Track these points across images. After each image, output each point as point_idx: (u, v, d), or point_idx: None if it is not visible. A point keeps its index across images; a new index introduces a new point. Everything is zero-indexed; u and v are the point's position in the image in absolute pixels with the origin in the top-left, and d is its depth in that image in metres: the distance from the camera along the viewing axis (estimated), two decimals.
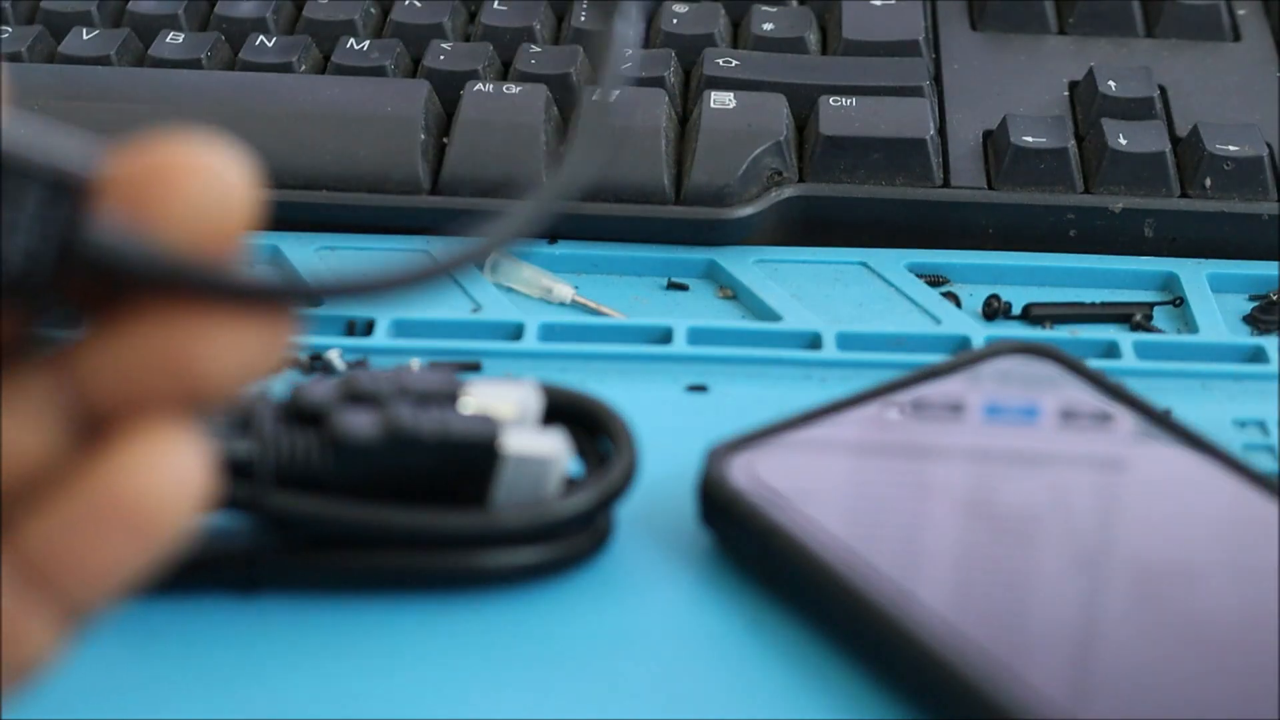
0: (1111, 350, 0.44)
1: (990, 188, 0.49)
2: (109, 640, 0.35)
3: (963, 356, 0.40)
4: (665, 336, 0.45)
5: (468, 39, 0.54)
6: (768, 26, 0.53)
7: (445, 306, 0.45)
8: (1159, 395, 0.42)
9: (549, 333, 0.45)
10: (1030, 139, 0.49)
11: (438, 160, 0.48)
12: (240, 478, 0.34)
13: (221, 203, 0.24)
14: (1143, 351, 0.44)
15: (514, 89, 0.50)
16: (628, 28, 0.28)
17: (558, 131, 0.49)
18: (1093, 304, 0.47)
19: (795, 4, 0.55)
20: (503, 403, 0.36)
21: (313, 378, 0.40)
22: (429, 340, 0.44)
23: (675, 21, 0.53)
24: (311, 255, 0.47)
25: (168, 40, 0.52)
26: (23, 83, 0.50)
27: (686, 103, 0.51)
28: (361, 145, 0.48)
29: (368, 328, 0.44)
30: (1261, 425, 0.42)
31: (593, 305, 0.46)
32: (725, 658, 0.35)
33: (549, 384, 0.37)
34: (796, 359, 0.44)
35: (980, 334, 0.44)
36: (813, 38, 0.53)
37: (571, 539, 0.36)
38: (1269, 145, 0.49)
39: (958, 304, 0.47)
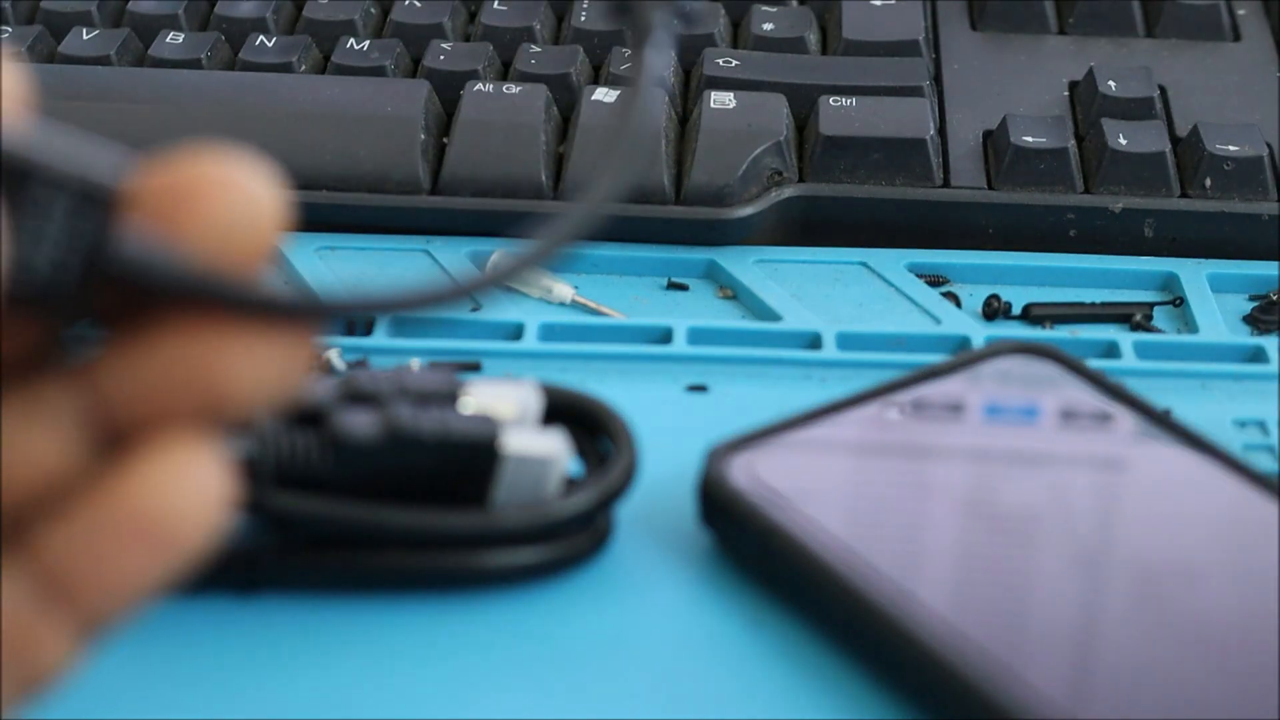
0: (1111, 350, 0.44)
1: (990, 188, 0.49)
2: (109, 640, 0.35)
3: (963, 356, 0.40)
4: (665, 336, 0.45)
5: (468, 39, 0.54)
6: (768, 26, 0.53)
7: (445, 306, 0.45)
8: (1159, 395, 0.42)
9: (549, 333, 0.45)
10: (1030, 139, 0.49)
11: (438, 160, 0.48)
12: (240, 477, 0.34)
13: (249, 219, 0.24)
14: (1143, 351, 0.44)
15: (514, 89, 0.50)
16: (661, 60, 0.28)
17: (558, 131, 0.49)
18: (1093, 304, 0.47)
19: (795, 4, 0.55)
20: (503, 403, 0.36)
21: (313, 377, 0.40)
22: (429, 340, 0.44)
23: (674, 21, 0.53)
24: (311, 255, 0.47)
25: (168, 40, 0.52)
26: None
27: (686, 103, 0.51)
28: (361, 145, 0.48)
29: (368, 327, 0.44)
30: (1261, 425, 0.42)
31: (593, 305, 0.46)
32: (725, 658, 0.35)
33: (549, 384, 0.37)
34: (796, 359, 0.44)
35: (980, 334, 0.44)
36: (813, 38, 0.53)
37: (571, 539, 0.36)
38: (1269, 145, 0.49)
39: (958, 304, 0.47)
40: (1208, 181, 0.48)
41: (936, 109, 0.51)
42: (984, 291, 0.47)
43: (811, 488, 0.37)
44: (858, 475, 0.37)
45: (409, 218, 0.48)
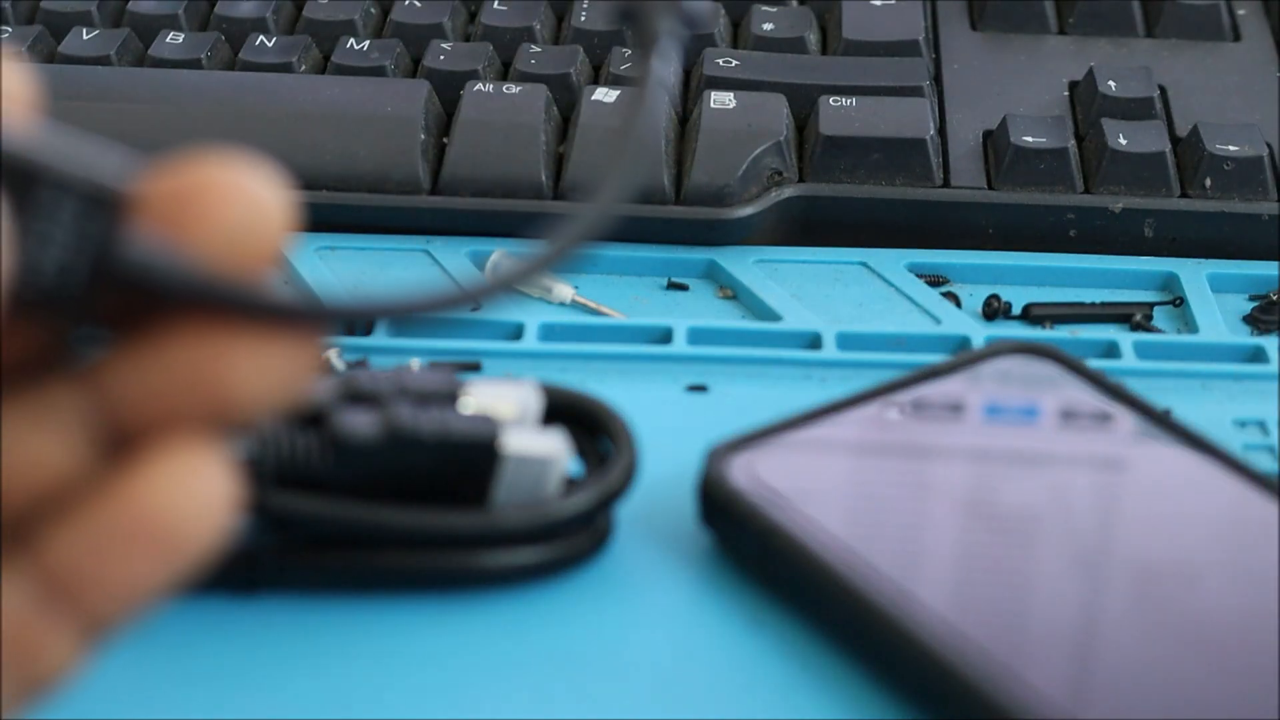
0: (1111, 350, 0.44)
1: (990, 188, 0.49)
2: (112, 644, 0.35)
3: (963, 356, 0.40)
4: (665, 336, 0.45)
5: (468, 39, 0.54)
6: (768, 26, 0.53)
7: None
8: (1159, 395, 0.42)
9: (549, 333, 0.45)
10: (1030, 139, 0.49)
11: (438, 160, 0.48)
12: (244, 480, 0.34)
13: (256, 224, 0.24)
14: (1143, 351, 0.44)
15: (514, 89, 0.50)
16: (667, 66, 0.28)
17: (558, 131, 0.49)
18: (1093, 304, 0.47)
19: (795, 4, 0.55)
20: (503, 403, 0.36)
21: (317, 380, 0.40)
22: (429, 340, 0.44)
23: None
24: (312, 255, 0.47)
25: (168, 40, 0.52)
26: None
27: (686, 103, 0.51)
28: (361, 145, 0.48)
29: (368, 327, 0.44)
30: (1261, 425, 0.42)
31: (593, 305, 0.46)
32: (725, 658, 0.35)
33: (549, 384, 0.37)
34: (796, 359, 0.44)
35: (980, 334, 0.44)
36: (813, 38, 0.53)
37: (571, 539, 0.36)
38: (1269, 145, 0.49)
39: (958, 304, 0.47)
40: (1208, 181, 0.48)
41: (936, 109, 0.51)
42: (984, 291, 0.47)
43: (811, 488, 0.37)
44: (858, 475, 0.37)
45: (409, 218, 0.48)
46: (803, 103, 0.50)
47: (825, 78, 0.51)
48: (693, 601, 0.36)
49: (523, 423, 0.36)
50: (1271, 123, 0.50)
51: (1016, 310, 0.46)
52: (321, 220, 0.48)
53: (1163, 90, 0.52)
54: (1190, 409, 0.42)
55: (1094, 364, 0.42)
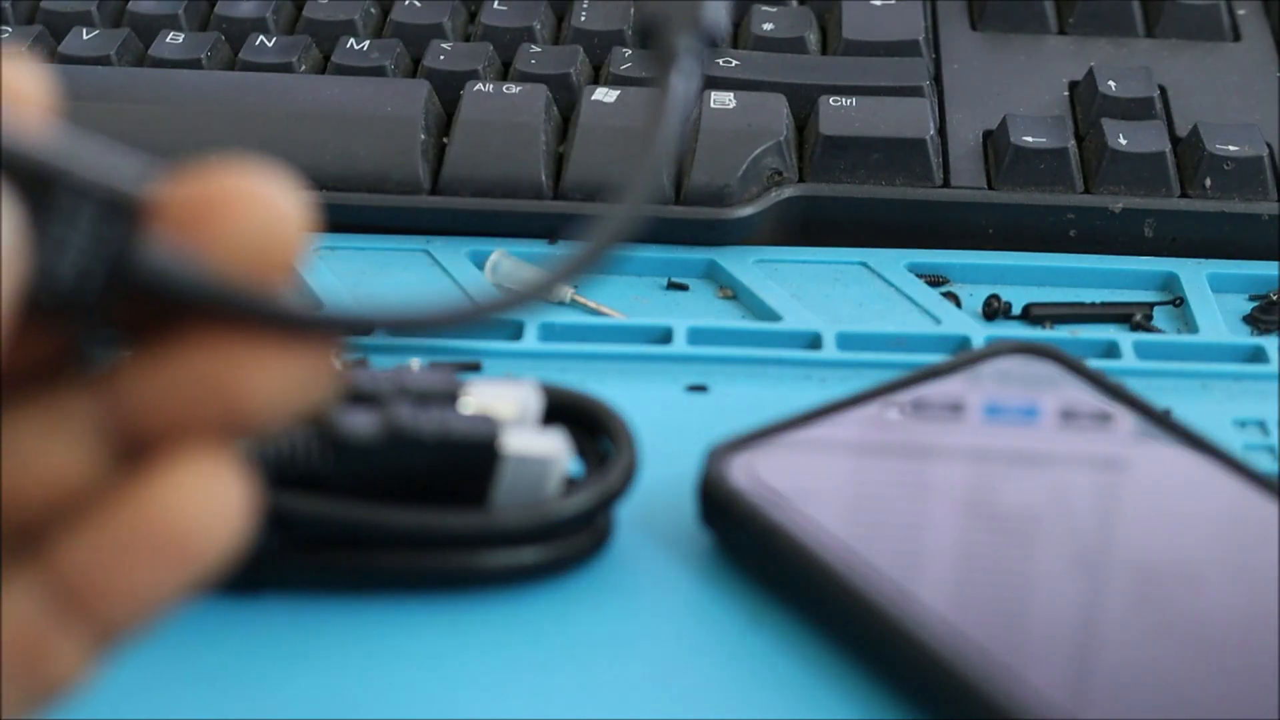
0: (1111, 350, 0.44)
1: (990, 188, 0.49)
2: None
3: (963, 356, 0.40)
4: (665, 336, 0.45)
5: (468, 39, 0.54)
6: (768, 26, 0.53)
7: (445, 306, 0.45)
8: (1159, 395, 0.42)
9: (549, 333, 0.45)
10: (1030, 139, 0.49)
11: (438, 160, 0.48)
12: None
13: (275, 233, 0.24)
14: (1143, 351, 0.44)
15: (514, 89, 0.50)
16: (690, 83, 0.28)
17: (558, 131, 0.49)
18: (1093, 304, 0.47)
19: (795, 4, 0.55)
20: (503, 403, 0.36)
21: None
22: (429, 340, 0.44)
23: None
24: (312, 255, 0.47)
25: (168, 40, 0.52)
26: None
27: None
28: (361, 145, 0.48)
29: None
30: (1261, 425, 0.42)
31: (593, 305, 0.46)
32: (725, 658, 0.35)
33: (549, 384, 0.37)
34: (796, 359, 0.44)
35: (980, 334, 0.44)
36: (813, 38, 0.53)
37: (571, 539, 0.36)
38: (1269, 145, 0.49)
39: (958, 304, 0.47)
40: (1208, 181, 0.48)
41: (936, 109, 0.51)
42: (984, 291, 0.47)
43: (811, 488, 0.37)
44: (858, 475, 0.37)
45: (409, 218, 0.48)
46: (803, 103, 0.50)
47: (825, 78, 0.51)
48: (693, 601, 0.36)
49: (523, 423, 0.36)
50: (1271, 123, 0.50)
51: (1016, 310, 0.46)
52: (321, 220, 0.48)
53: (1163, 90, 0.52)
54: (1190, 409, 0.42)
55: (1094, 364, 0.42)
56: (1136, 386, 0.41)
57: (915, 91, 0.50)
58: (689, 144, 0.48)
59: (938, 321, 0.45)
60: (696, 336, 0.45)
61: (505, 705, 0.34)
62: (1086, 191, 0.48)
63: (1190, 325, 0.46)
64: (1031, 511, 0.36)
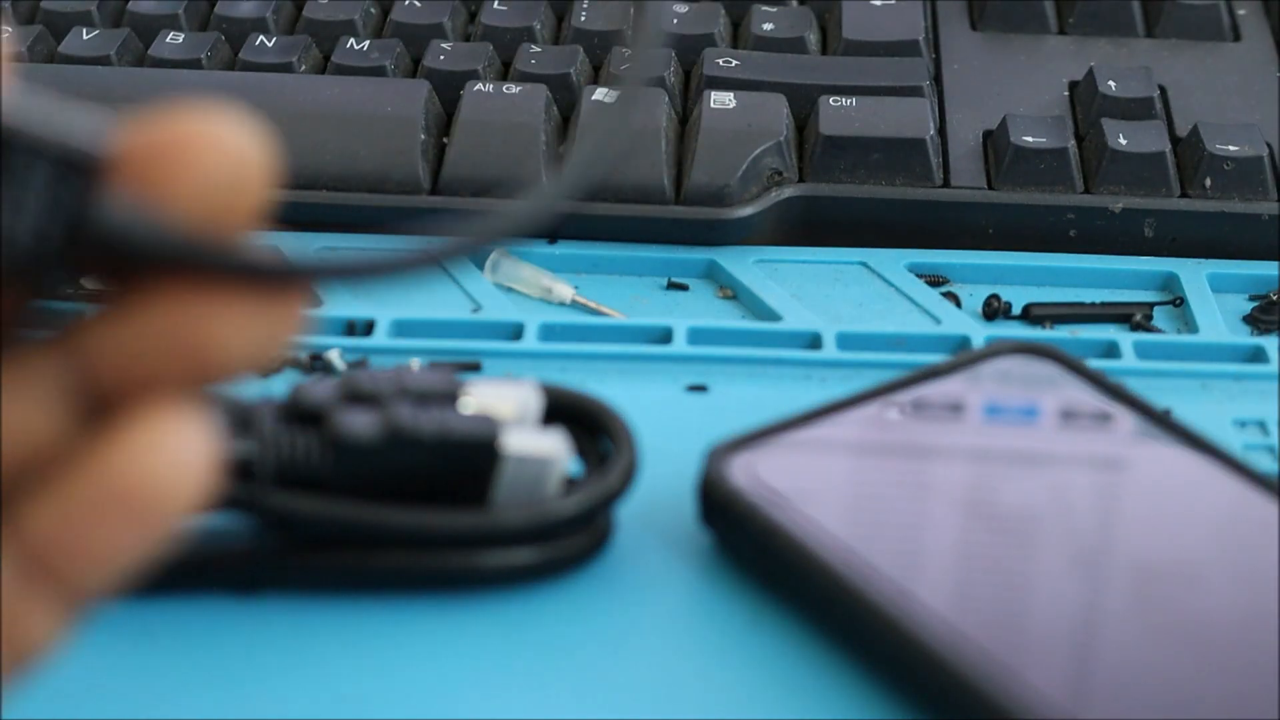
0: (1111, 350, 0.44)
1: (990, 188, 0.49)
2: (110, 640, 0.35)
3: (963, 356, 0.40)
4: (665, 336, 0.45)
5: (468, 39, 0.54)
6: (768, 26, 0.53)
7: (445, 306, 0.45)
8: (1159, 395, 0.42)
9: (549, 333, 0.45)
10: (1030, 139, 0.49)
11: (438, 160, 0.48)
12: (240, 478, 0.34)
13: (234, 178, 0.24)
14: (1143, 351, 0.44)
15: (514, 89, 0.50)
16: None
17: (558, 131, 0.49)
18: (1093, 304, 0.47)
19: (795, 4, 0.55)
20: (503, 403, 0.36)
21: (313, 378, 0.40)
22: (429, 340, 0.44)
23: (675, 21, 0.53)
24: (312, 255, 0.47)
25: (168, 40, 0.52)
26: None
27: (686, 103, 0.51)
28: (361, 145, 0.48)
29: (368, 328, 0.44)
30: (1261, 425, 0.42)
31: (593, 305, 0.46)
32: (725, 658, 0.35)
33: (549, 384, 0.37)
34: (796, 359, 0.44)
35: (980, 334, 0.44)
36: (813, 38, 0.53)
37: (571, 539, 0.36)
38: (1269, 145, 0.49)
39: (958, 304, 0.47)
40: (1208, 181, 0.48)
41: (936, 109, 0.51)
42: (984, 291, 0.47)
43: (811, 488, 0.37)
44: (858, 475, 0.37)
45: (409, 218, 0.48)
46: (803, 103, 0.50)
47: (825, 78, 0.51)
48: (693, 601, 0.36)
49: (523, 423, 0.36)
50: (1271, 123, 0.50)
51: (1016, 310, 0.46)
52: (321, 220, 0.48)
53: (1163, 90, 0.52)
54: (1190, 409, 0.42)
55: (1094, 364, 0.42)
56: (1136, 386, 0.41)
57: (915, 91, 0.50)
58: (689, 144, 0.48)
59: (938, 321, 0.45)
60: (696, 336, 0.45)
61: (505, 705, 0.34)
62: (1086, 191, 0.48)
63: (1190, 325, 0.46)
64: (1031, 511, 0.36)
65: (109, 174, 0.24)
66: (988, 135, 0.50)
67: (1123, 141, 0.48)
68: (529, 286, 0.46)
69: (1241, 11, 0.55)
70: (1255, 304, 0.47)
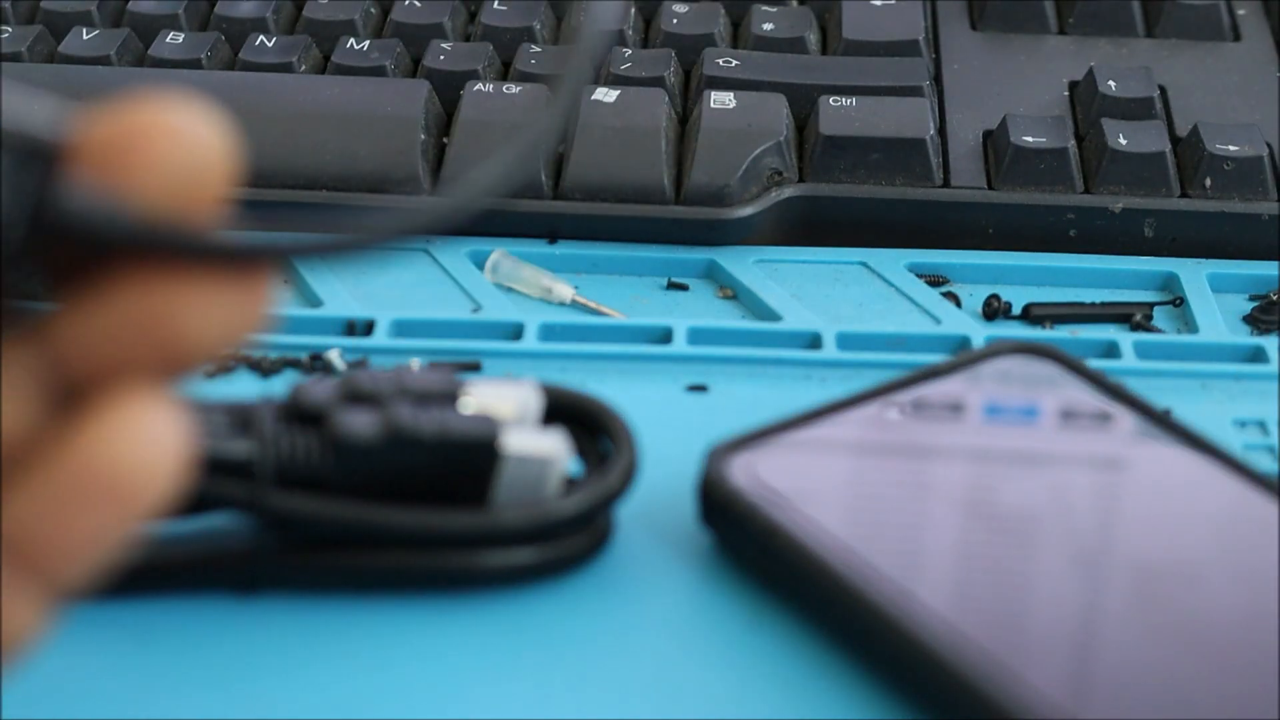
0: (1111, 350, 0.44)
1: (990, 188, 0.49)
2: (110, 640, 0.35)
3: (963, 356, 0.40)
4: (665, 336, 0.45)
5: (468, 39, 0.54)
6: (768, 26, 0.53)
7: (445, 306, 0.45)
8: (1159, 395, 0.42)
9: (549, 333, 0.45)
10: (1030, 139, 0.49)
11: (438, 160, 0.48)
12: (240, 478, 0.34)
13: (197, 165, 0.24)
14: (1143, 351, 0.44)
15: (514, 89, 0.50)
16: (603, 27, 0.28)
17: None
18: (1093, 304, 0.47)
19: (795, 4, 0.55)
20: (503, 403, 0.36)
21: (313, 378, 0.40)
22: (429, 340, 0.44)
23: (675, 21, 0.53)
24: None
25: (168, 40, 0.52)
26: (21, 81, 0.50)
27: (686, 103, 0.51)
28: (361, 145, 0.48)
29: (368, 328, 0.44)
30: (1261, 425, 0.42)
31: (593, 305, 0.46)
32: (725, 657, 0.35)
33: (549, 384, 0.37)
34: (796, 359, 0.44)
35: (980, 334, 0.44)
36: (813, 38, 0.53)
37: (571, 539, 0.36)
38: (1269, 145, 0.49)
39: (958, 304, 0.47)
40: (1208, 181, 0.48)
41: (936, 109, 0.51)
42: (984, 291, 0.47)
43: (811, 488, 0.37)
44: (858, 475, 0.37)
45: None
46: (803, 103, 0.50)
47: (825, 78, 0.51)
48: (693, 601, 0.36)
49: (523, 423, 0.36)
50: (1271, 123, 0.50)
51: (1016, 310, 0.46)
52: (321, 220, 0.48)
53: (1163, 90, 0.52)
54: (1190, 409, 0.42)
55: (1094, 364, 0.42)
56: (1136, 386, 0.41)
57: (915, 91, 0.50)
58: (689, 144, 0.48)
59: (938, 321, 0.45)
60: (696, 336, 0.45)
61: (505, 705, 0.34)
62: (1086, 191, 0.48)
63: (1190, 325, 0.46)
64: (1031, 511, 0.36)
65: (70, 162, 0.24)
66: (988, 135, 0.50)
67: (1123, 141, 0.48)
68: (529, 286, 0.46)
69: (1241, 11, 0.55)
70: (1255, 304, 0.47)
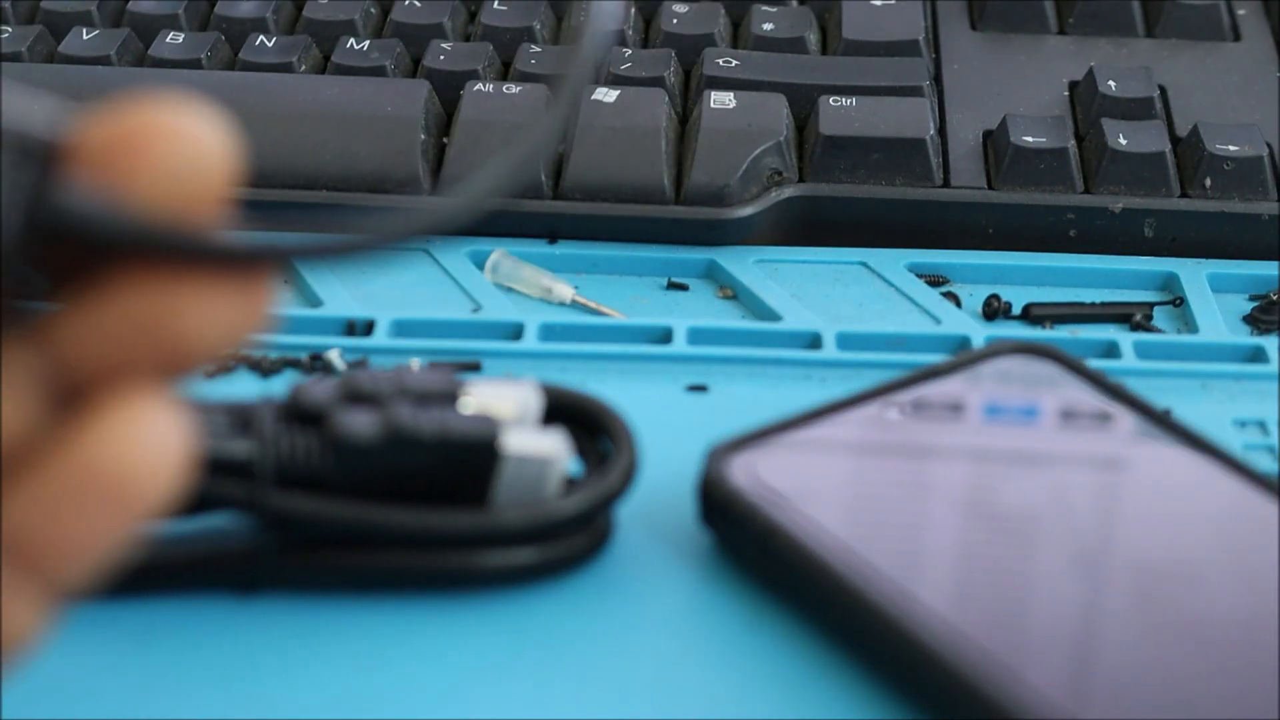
0: (1111, 350, 0.44)
1: (990, 188, 0.49)
2: (110, 640, 0.35)
3: (963, 356, 0.40)
4: (665, 336, 0.45)
5: (468, 39, 0.54)
6: (768, 26, 0.53)
7: (445, 306, 0.45)
8: (1159, 395, 0.42)
9: (549, 333, 0.45)
10: (1030, 139, 0.49)
11: (438, 160, 0.48)
12: (240, 478, 0.34)
13: (197, 166, 0.24)
14: (1143, 351, 0.44)
15: (514, 89, 0.50)
16: (604, 27, 0.28)
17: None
18: (1093, 304, 0.47)
19: (795, 4, 0.55)
20: (503, 403, 0.36)
21: (313, 378, 0.40)
22: (429, 340, 0.44)
23: (675, 21, 0.53)
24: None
25: (168, 40, 0.52)
26: (21, 82, 0.50)
27: (686, 103, 0.51)
28: (361, 145, 0.48)
29: (368, 328, 0.44)
30: (1261, 425, 0.42)
31: (593, 305, 0.46)
32: (725, 658, 0.35)
33: (549, 384, 0.37)
34: (796, 359, 0.44)
35: (980, 334, 0.44)
36: (813, 38, 0.53)
37: (571, 539, 0.36)
38: (1269, 145, 0.49)
39: (958, 304, 0.47)
40: (1208, 181, 0.48)
41: (936, 109, 0.51)
42: (984, 291, 0.47)
43: (811, 488, 0.37)
44: (858, 475, 0.37)
45: None
46: (803, 103, 0.50)
47: (825, 78, 0.51)
48: (693, 601, 0.36)
49: (523, 423, 0.36)
50: (1271, 123, 0.50)
51: (1016, 310, 0.46)
52: (325, 221, 0.48)
53: (1163, 90, 0.52)
54: (1190, 409, 0.42)
55: (1094, 364, 0.42)
56: (1136, 386, 0.41)
57: (915, 91, 0.50)
58: (689, 144, 0.48)
59: (938, 321, 0.45)
60: (696, 336, 0.45)
61: (505, 705, 0.34)
62: (1086, 191, 0.48)
63: (1190, 325, 0.46)
64: (1031, 511, 0.36)
65: (68, 162, 0.24)
66: (988, 135, 0.50)
67: (1123, 141, 0.48)
68: (529, 286, 0.46)
69: (1241, 11, 0.55)
70: (1255, 304, 0.47)
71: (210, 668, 0.35)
